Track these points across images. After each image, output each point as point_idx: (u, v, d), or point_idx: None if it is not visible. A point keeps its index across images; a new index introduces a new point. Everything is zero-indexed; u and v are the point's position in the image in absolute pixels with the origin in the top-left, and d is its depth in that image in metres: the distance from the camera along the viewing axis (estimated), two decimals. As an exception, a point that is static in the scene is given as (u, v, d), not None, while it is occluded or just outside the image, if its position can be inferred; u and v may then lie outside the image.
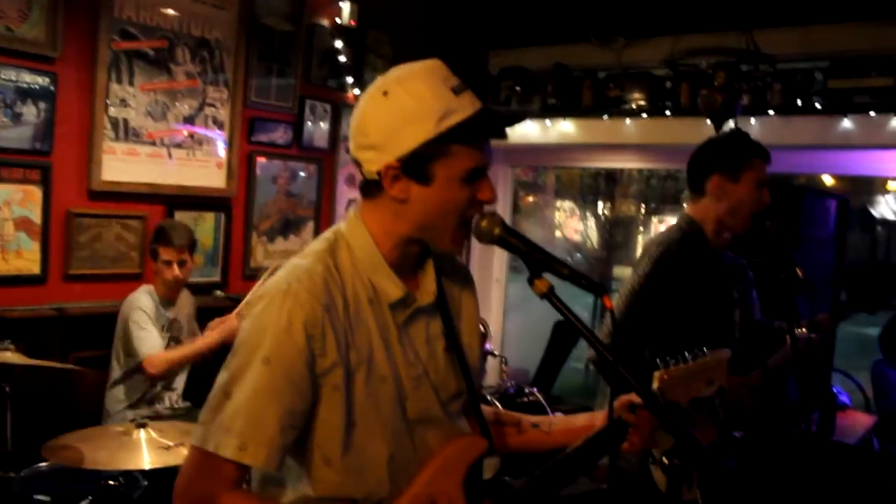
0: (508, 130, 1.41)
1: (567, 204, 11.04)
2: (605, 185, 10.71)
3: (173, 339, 3.50)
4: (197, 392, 3.65)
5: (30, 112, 3.37)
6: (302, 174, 4.59)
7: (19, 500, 2.69)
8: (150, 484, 2.74)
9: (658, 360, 1.49)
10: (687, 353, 1.55)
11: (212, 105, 4.08)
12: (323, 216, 4.72)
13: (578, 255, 10.87)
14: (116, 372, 3.41)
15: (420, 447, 1.40)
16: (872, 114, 3.92)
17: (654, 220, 11.01)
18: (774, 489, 3.25)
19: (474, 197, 1.35)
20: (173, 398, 3.50)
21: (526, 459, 1.60)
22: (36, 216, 3.45)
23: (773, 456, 3.28)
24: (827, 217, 4.32)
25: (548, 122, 4.99)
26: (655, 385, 1.48)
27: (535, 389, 4.50)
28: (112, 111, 3.67)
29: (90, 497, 2.69)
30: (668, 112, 4.51)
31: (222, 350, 3.47)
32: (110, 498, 2.69)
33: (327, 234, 1.43)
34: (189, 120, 3.99)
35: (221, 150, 4.15)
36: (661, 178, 10.38)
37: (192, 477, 1.30)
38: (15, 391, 2.71)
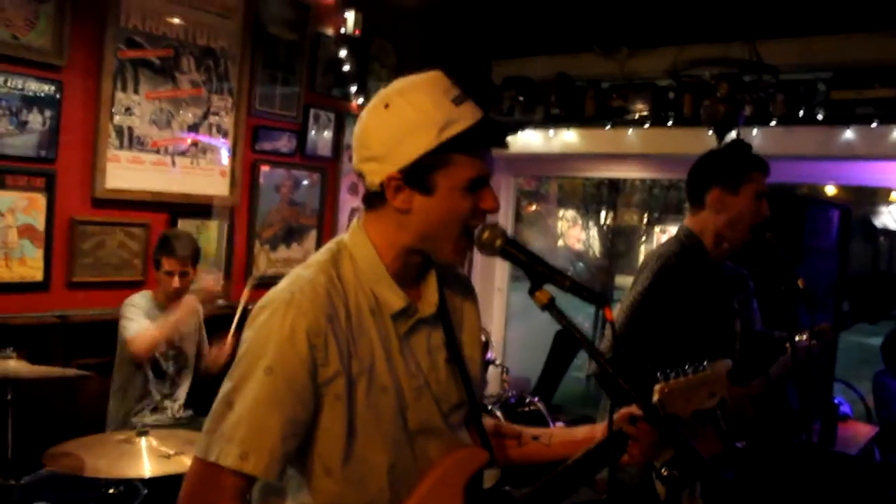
0: (511, 140, 1.42)
1: (569, 213, 11.06)
2: (608, 194, 10.73)
3: (174, 346, 3.50)
4: (199, 400, 3.66)
5: (35, 120, 3.39)
6: (305, 183, 4.60)
7: (20, 508, 2.69)
8: (151, 492, 2.74)
9: (658, 373, 1.50)
10: (687, 367, 1.56)
11: (216, 113, 4.09)
12: (326, 225, 4.73)
13: (581, 263, 10.88)
14: (118, 378, 3.42)
15: (421, 458, 1.41)
16: (875, 124, 3.92)
17: (657, 229, 11.02)
18: (776, 500, 3.25)
19: (477, 206, 1.35)
20: (175, 407, 3.50)
21: (526, 471, 1.60)
22: (40, 223, 3.46)
23: (775, 466, 3.28)
24: (829, 227, 4.32)
25: (551, 131, 4.99)
26: (656, 398, 1.48)
27: (536, 398, 4.50)
28: (117, 119, 3.68)
29: (91, 505, 2.70)
30: (670, 122, 4.51)
31: (226, 361, 3.48)
32: (111, 506, 2.69)
33: (330, 244, 1.44)
34: (193, 128, 4.01)
35: (225, 158, 4.16)
36: (664, 187, 10.40)
37: (195, 487, 1.30)
38: (16, 398, 2.72)
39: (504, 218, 5.58)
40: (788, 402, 3.32)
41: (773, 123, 4.16)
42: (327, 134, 4.64)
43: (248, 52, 4.17)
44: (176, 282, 3.42)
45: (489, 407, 4.14)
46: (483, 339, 1.66)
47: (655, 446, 1.48)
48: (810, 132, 4.11)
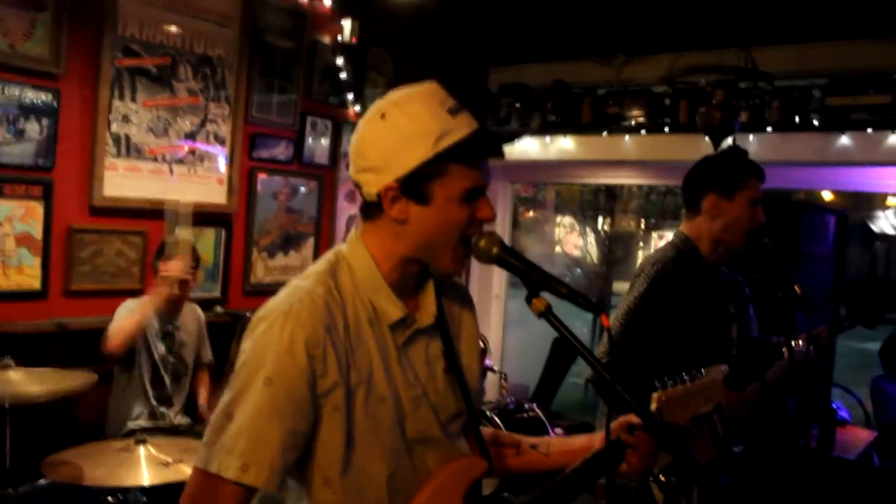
0: (508, 147, 1.43)
1: (567, 220, 11.07)
2: (605, 200, 10.74)
3: (173, 354, 3.50)
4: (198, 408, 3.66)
5: (32, 128, 3.39)
6: (302, 190, 4.61)
7: (18, 517, 2.69)
8: (149, 500, 2.73)
9: (656, 381, 1.50)
10: (685, 375, 1.56)
11: (213, 121, 4.10)
12: (323, 232, 4.73)
13: (578, 270, 10.88)
14: (116, 386, 3.42)
15: (419, 467, 1.41)
16: (870, 130, 3.94)
17: (654, 235, 11.04)
18: (774, 506, 3.25)
19: (473, 216, 1.36)
20: (173, 414, 3.50)
21: (525, 480, 1.60)
22: (37, 232, 3.46)
23: (773, 472, 3.28)
24: (826, 232, 4.34)
25: (547, 138, 5.01)
26: (654, 406, 1.49)
27: (534, 405, 4.50)
28: (114, 127, 3.69)
29: (89, 513, 2.69)
30: (667, 129, 4.53)
31: (227, 371, 3.48)
32: (109, 514, 2.68)
33: (328, 255, 1.44)
34: (191, 136, 4.01)
35: (222, 165, 4.17)
36: (661, 193, 10.41)
37: (195, 498, 1.29)
38: (14, 407, 2.71)
39: (501, 224, 5.59)
40: (786, 408, 3.32)
41: (768, 130, 4.18)
42: (324, 141, 4.65)
43: (245, 60, 4.18)
44: (175, 288, 3.42)
45: (488, 413, 4.14)
46: (481, 345, 1.66)
47: (653, 454, 1.48)
48: (806, 138, 4.12)
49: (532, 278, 1.32)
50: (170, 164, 3.94)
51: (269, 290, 1.39)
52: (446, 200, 1.33)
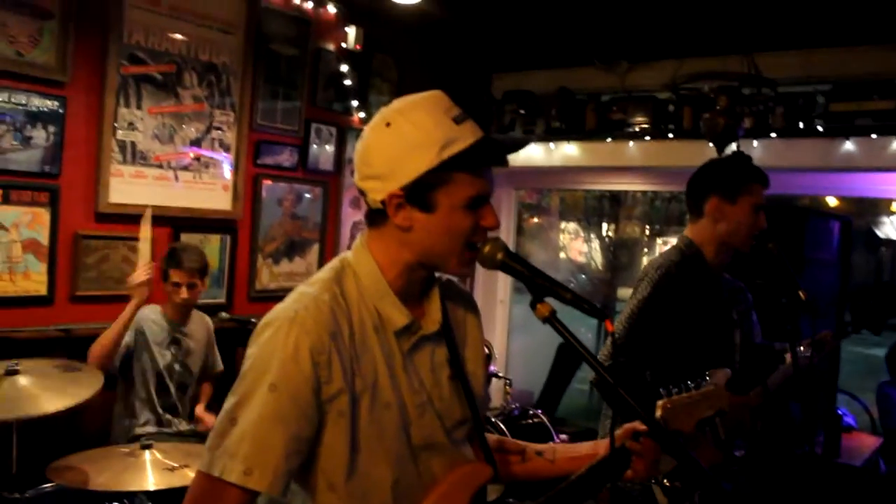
0: (512, 154, 1.44)
1: (571, 226, 11.07)
2: (609, 207, 10.75)
3: (179, 363, 3.51)
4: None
5: (39, 135, 3.41)
6: (307, 196, 4.62)
7: (24, 522, 2.69)
8: (155, 506, 2.74)
9: (661, 389, 1.51)
10: (690, 382, 1.56)
11: (218, 128, 4.12)
12: (328, 238, 4.75)
13: (583, 276, 10.88)
14: (122, 391, 3.43)
15: (424, 473, 1.41)
16: (874, 136, 3.94)
17: (659, 241, 11.03)
18: (780, 512, 3.24)
19: (477, 224, 1.36)
20: (178, 421, 3.51)
21: (529, 486, 1.61)
22: (44, 238, 3.48)
23: (778, 478, 3.27)
24: (831, 238, 4.34)
25: (552, 144, 5.02)
26: (658, 413, 1.49)
27: (539, 411, 4.50)
28: (120, 134, 3.70)
29: (95, 519, 2.70)
30: (671, 135, 4.54)
31: (231, 376, 3.49)
32: (115, 520, 2.69)
33: (334, 262, 1.45)
34: (196, 143, 4.03)
35: (227, 172, 4.19)
36: (665, 199, 10.42)
37: (198, 501, 1.30)
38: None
39: (506, 231, 5.60)
40: (791, 413, 3.32)
41: (772, 136, 4.18)
42: (329, 148, 4.67)
43: (250, 68, 4.20)
44: (184, 293, 3.44)
45: (492, 419, 4.14)
46: (486, 351, 1.66)
47: (658, 461, 1.49)
48: (810, 144, 4.12)
49: (536, 284, 1.33)
50: (175, 170, 3.95)
51: (274, 297, 1.40)
52: (451, 208, 1.34)
